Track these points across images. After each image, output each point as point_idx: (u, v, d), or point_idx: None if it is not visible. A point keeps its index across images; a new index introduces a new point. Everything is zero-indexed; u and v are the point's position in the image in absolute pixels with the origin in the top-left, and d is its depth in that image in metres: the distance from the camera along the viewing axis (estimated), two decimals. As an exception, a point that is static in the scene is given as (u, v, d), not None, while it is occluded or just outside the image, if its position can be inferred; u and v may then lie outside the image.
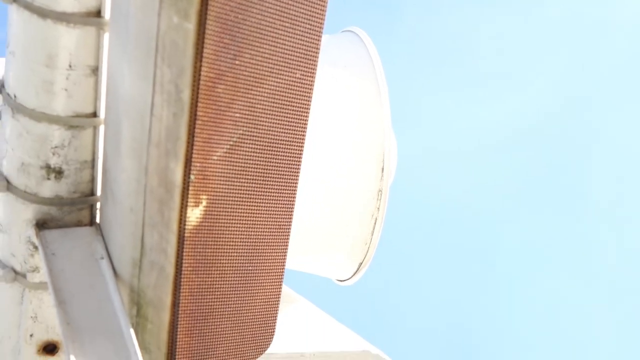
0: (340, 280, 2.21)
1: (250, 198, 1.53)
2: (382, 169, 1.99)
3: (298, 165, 1.58)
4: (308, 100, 1.53)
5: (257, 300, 1.65)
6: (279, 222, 1.61)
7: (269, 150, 1.51)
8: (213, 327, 1.58)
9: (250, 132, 1.46)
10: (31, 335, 1.73)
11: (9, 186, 1.62)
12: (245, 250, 1.57)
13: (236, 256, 1.56)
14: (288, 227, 1.64)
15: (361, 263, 2.12)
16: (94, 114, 1.57)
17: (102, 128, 1.59)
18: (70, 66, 1.51)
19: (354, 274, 2.16)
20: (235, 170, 1.47)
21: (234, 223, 1.52)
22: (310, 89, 1.52)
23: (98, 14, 1.48)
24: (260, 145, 1.49)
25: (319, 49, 1.49)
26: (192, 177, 1.40)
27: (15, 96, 1.55)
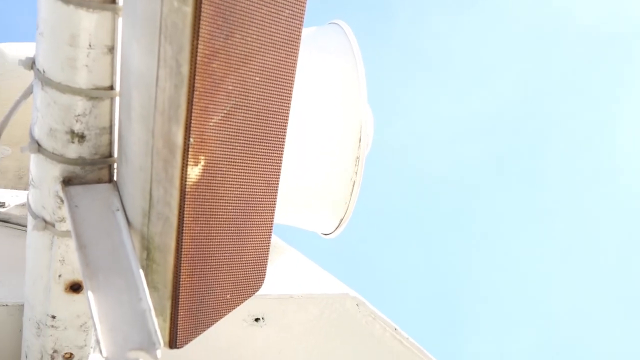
0: (325, 234, 2.23)
1: (243, 159, 1.53)
2: (359, 139, 2.00)
3: (284, 131, 1.58)
4: (292, 75, 1.53)
5: (250, 247, 1.66)
6: (268, 180, 1.61)
7: (258, 118, 1.52)
8: (211, 269, 1.59)
9: (242, 102, 1.46)
10: (59, 276, 1.74)
11: (40, 148, 1.62)
12: (239, 204, 1.57)
13: (230, 209, 1.56)
14: (276, 185, 1.64)
15: (342, 219, 2.14)
16: (111, 87, 1.57)
17: (117, 99, 1.58)
18: (90, 45, 1.50)
19: (336, 229, 2.19)
20: (229, 134, 1.47)
21: (229, 180, 1.53)
22: (294, 66, 1.52)
23: (113, 0, 1.48)
24: (250, 113, 1.49)
25: (300, 31, 1.49)
26: (191, 139, 1.40)
27: (44, 71, 1.55)
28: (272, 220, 1.68)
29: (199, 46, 1.32)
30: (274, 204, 1.67)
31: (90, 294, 1.42)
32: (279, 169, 1.62)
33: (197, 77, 1.35)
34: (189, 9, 1.28)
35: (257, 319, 2.14)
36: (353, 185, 2.05)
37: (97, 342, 1.38)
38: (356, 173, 2.03)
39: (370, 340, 2.29)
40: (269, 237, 1.70)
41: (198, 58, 1.33)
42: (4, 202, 2.32)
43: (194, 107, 1.37)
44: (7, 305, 2.03)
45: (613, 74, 15.35)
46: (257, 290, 1.74)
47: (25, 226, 2.21)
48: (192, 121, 1.38)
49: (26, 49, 2.12)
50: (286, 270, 2.24)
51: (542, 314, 15.04)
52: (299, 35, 1.49)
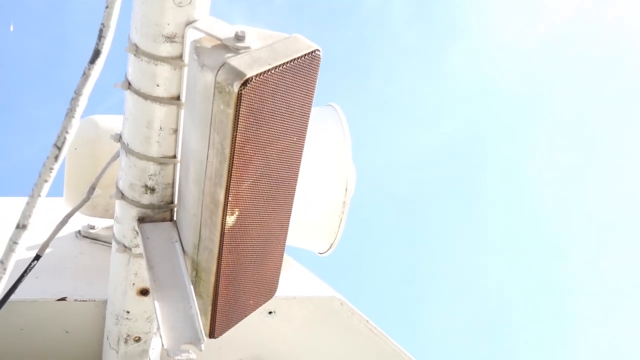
0: (321, 253, 2.23)
1: (264, 210, 1.56)
2: (346, 189, 2.02)
3: (293, 190, 1.60)
4: (300, 153, 1.55)
5: (267, 269, 1.68)
6: (281, 223, 1.64)
7: (276, 182, 1.54)
8: (239, 284, 1.62)
9: (265, 172, 1.48)
10: (133, 284, 1.76)
11: (123, 196, 1.64)
12: (260, 240, 1.60)
13: (254, 244, 1.59)
14: (287, 225, 1.66)
15: (332, 244, 2.15)
16: (174, 156, 1.59)
17: (178, 165, 1.60)
18: (160, 128, 1.54)
19: (328, 249, 2.18)
20: (255, 194, 1.50)
21: (254, 225, 1.55)
22: (302, 146, 1.54)
23: (178, 98, 1.51)
24: (271, 179, 1.52)
25: (307, 122, 1.51)
26: (229, 198, 1.43)
27: (127, 144, 1.58)
28: (283, 250, 1.69)
29: (237, 137, 1.35)
30: (285, 238, 1.68)
31: (156, 302, 1.46)
32: (289, 214, 1.63)
33: (235, 157, 1.37)
34: (231, 111, 1.32)
35: (270, 312, 2.17)
36: (340, 221, 2.06)
37: (160, 336, 1.43)
38: (343, 212, 2.05)
39: (350, 330, 2.30)
40: (281, 262, 1.71)
41: (236, 144, 1.36)
42: (95, 226, 2.35)
43: (232, 177, 1.40)
44: (95, 300, 2.01)
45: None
46: (271, 298, 1.76)
47: (108, 242, 2.24)
48: (230, 186, 1.41)
49: (111, 120, 2.09)
50: (292, 278, 2.24)
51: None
52: (306, 125, 1.50)
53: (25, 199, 1.32)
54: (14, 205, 2.53)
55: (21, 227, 1.21)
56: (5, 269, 1.23)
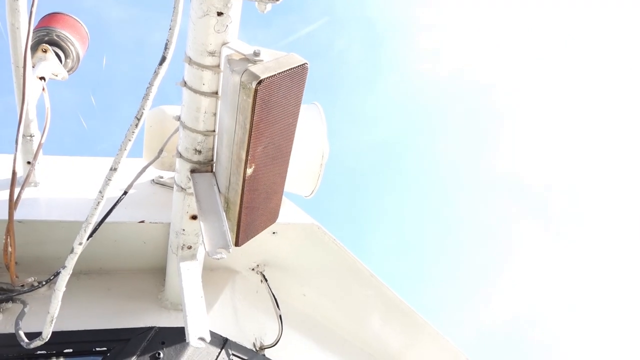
0: (306, 196, 2.16)
1: (271, 165, 1.52)
2: (322, 155, 1.99)
3: (289, 153, 1.56)
4: (294, 129, 1.51)
5: (272, 203, 1.65)
6: (281, 173, 1.60)
7: (279, 147, 1.50)
8: (255, 212, 1.59)
9: (272, 140, 1.45)
10: (187, 212, 1.73)
11: (181, 156, 1.60)
12: (268, 184, 1.57)
13: (264, 186, 1.55)
14: (285, 176, 1.62)
15: (313, 190, 2.09)
16: (214, 131, 1.56)
17: (216, 136, 1.57)
18: (205, 112, 1.50)
19: (311, 194, 2.12)
20: (265, 154, 1.47)
21: (264, 174, 1.52)
22: (295, 125, 1.51)
23: (216, 92, 1.48)
24: (275, 145, 1.49)
25: (299, 110, 1.47)
26: (249, 157, 1.40)
27: (184, 122, 1.54)
28: (282, 192, 1.66)
29: (254, 117, 1.33)
30: (284, 185, 1.64)
31: (201, 222, 1.44)
32: (286, 169, 1.60)
33: (252, 130, 1.35)
34: (250, 100, 1.30)
35: (273, 232, 2.15)
36: (319, 176, 2.03)
37: (203, 244, 1.41)
38: (320, 170, 2.01)
39: (323, 246, 2.28)
40: (281, 200, 1.67)
41: (253, 122, 1.34)
42: (162, 176, 2.31)
43: (250, 143, 1.38)
44: (162, 223, 1.98)
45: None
46: (274, 222, 1.71)
47: (170, 186, 2.22)
48: (249, 149, 1.39)
49: (172, 109, 2.00)
50: (288, 211, 2.20)
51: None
52: (298, 112, 1.47)
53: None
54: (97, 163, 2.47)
55: (113, 169, 1.18)
56: (102, 196, 1.20)
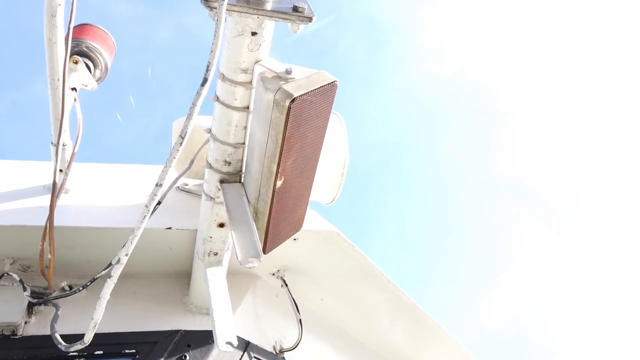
0: (327, 204, 2.17)
1: (299, 176, 1.55)
2: (344, 165, 2.02)
3: (316, 165, 1.59)
4: (321, 143, 1.54)
5: (298, 213, 1.67)
6: (308, 184, 1.62)
7: (307, 159, 1.53)
8: (281, 222, 1.61)
9: (301, 153, 1.49)
10: (215, 220, 1.76)
11: (211, 167, 1.64)
12: (295, 195, 1.59)
13: (292, 198, 1.58)
14: (311, 186, 1.64)
15: (334, 198, 2.11)
16: (243, 143, 1.59)
17: (246, 148, 1.60)
18: (236, 126, 1.54)
19: (332, 201, 2.14)
20: (295, 167, 1.50)
21: (292, 186, 1.55)
22: (323, 137, 1.53)
23: (247, 107, 1.52)
24: (304, 158, 1.52)
25: (327, 124, 1.50)
26: (279, 170, 1.43)
27: (215, 135, 1.58)
28: (308, 201, 1.68)
29: (286, 133, 1.37)
30: (309, 195, 1.67)
31: (232, 232, 1.48)
32: (313, 180, 1.62)
33: (284, 145, 1.39)
34: (283, 117, 1.34)
35: (294, 239, 2.15)
36: (340, 184, 2.04)
37: (235, 253, 1.44)
38: (342, 178, 2.03)
39: (342, 252, 2.31)
40: (306, 209, 1.69)
41: (285, 137, 1.38)
42: (187, 184, 2.32)
43: (281, 157, 1.42)
44: (189, 229, 2.02)
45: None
46: (298, 231, 1.74)
47: (196, 194, 2.26)
48: (280, 162, 1.43)
49: (203, 120, 2.03)
50: (308, 219, 2.19)
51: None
52: (325, 125, 1.50)
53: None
54: (132, 171, 2.52)
55: (158, 185, 1.23)
56: (149, 210, 1.25)
